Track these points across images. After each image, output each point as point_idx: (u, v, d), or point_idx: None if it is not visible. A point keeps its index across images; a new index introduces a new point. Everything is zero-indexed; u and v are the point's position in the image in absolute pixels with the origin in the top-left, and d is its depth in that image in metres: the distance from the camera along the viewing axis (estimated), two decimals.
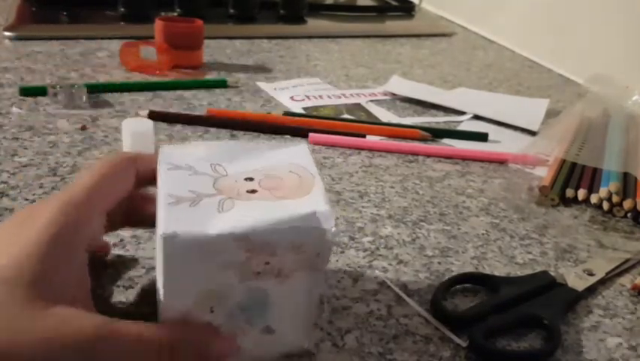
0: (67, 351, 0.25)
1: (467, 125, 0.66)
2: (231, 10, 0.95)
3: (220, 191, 0.29)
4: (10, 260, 0.26)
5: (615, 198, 0.49)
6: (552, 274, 0.40)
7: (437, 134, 0.62)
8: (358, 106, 0.69)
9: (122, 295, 0.35)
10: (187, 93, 0.67)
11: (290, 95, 0.69)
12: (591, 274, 0.41)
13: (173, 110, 0.62)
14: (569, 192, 0.51)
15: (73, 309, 0.26)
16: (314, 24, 1.00)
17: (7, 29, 0.80)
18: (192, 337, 0.28)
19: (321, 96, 0.70)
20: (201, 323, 0.28)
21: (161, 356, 0.27)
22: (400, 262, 0.41)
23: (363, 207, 0.48)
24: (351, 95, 0.72)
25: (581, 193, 0.51)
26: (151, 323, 0.27)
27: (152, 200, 0.33)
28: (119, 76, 0.69)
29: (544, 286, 0.39)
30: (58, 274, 0.27)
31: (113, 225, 0.34)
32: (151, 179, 0.32)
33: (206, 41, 0.76)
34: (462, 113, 0.69)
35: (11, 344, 0.24)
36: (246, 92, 0.69)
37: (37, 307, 0.25)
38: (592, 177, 0.53)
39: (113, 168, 0.31)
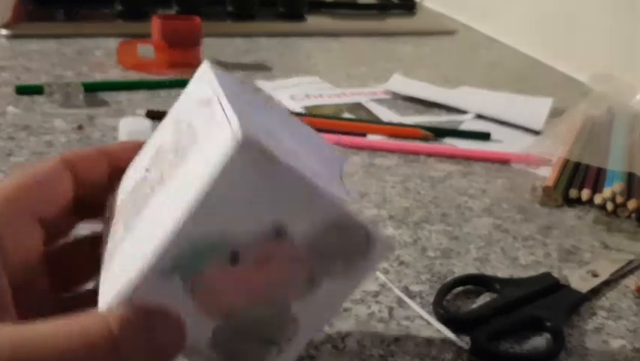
0: None
1: (469, 124, 0.66)
2: (230, 8, 0.95)
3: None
4: None
5: (619, 199, 0.49)
6: (555, 275, 0.40)
7: (439, 133, 0.62)
8: (359, 105, 0.68)
9: None
10: None
11: (290, 94, 0.69)
12: (595, 276, 0.40)
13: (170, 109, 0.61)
14: (573, 193, 0.51)
15: None
16: (314, 22, 0.99)
17: (3, 27, 0.79)
18: (141, 325, 0.22)
19: (321, 95, 0.70)
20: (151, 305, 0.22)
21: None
22: (402, 263, 0.41)
23: (364, 207, 0.47)
24: (352, 94, 0.71)
25: (585, 193, 0.50)
26: (86, 316, 0.21)
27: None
28: (116, 74, 0.69)
29: (548, 287, 0.38)
30: None
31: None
32: (95, 184, 0.28)
33: (204, 39, 0.75)
34: (464, 112, 0.68)
35: None
36: None
37: None
38: (596, 177, 0.52)
39: (41, 170, 0.27)
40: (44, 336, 0.19)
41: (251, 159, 0.20)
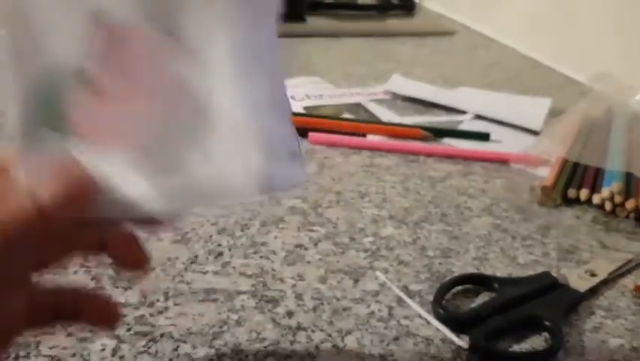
0: None
1: (469, 124, 0.66)
2: None
3: None
4: None
5: (618, 199, 0.49)
6: (554, 274, 0.40)
7: (438, 133, 0.62)
8: (359, 105, 0.68)
9: (122, 296, 0.35)
10: None
11: (290, 94, 0.69)
12: (593, 275, 0.41)
13: None
14: (572, 193, 0.51)
15: None
16: (314, 22, 0.99)
17: None
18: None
19: (321, 95, 0.70)
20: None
21: None
22: (401, 262, 0.41)
23: (363, 207, 0.47)
24: (352, 94, 0.71)
25: (584, 193, 0.51)
26: None
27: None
28: None
29: (546, 287, 0.39)
30: None
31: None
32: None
33: None
34: (463, 112, 0.69)
35: None
36: None
37: None
38: (594, 177, 0.53)
39: None
40: None
41: None
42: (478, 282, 0.39)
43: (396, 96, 0.72)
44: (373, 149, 0.58)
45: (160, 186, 0.21)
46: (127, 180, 0.21)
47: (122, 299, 0.35)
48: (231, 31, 0.20)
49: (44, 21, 0.19)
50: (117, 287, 0.36)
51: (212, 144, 0.21)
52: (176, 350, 0.32)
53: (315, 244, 0.42)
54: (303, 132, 0.58)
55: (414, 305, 0.37)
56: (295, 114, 0.63)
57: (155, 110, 0.21)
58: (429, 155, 0.58)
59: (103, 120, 0.21)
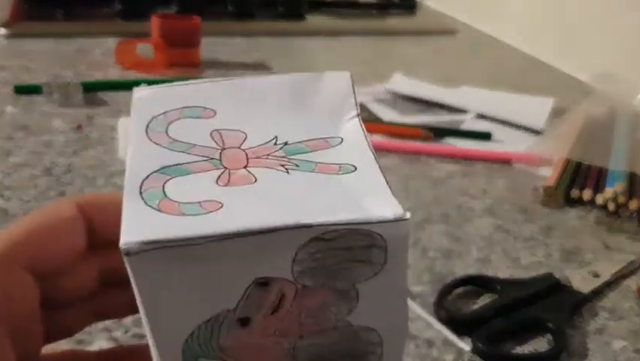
0: None
1: (470, 124, 0.65)
2: (230, 7, 0.94)
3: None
4: None
5: (621, 199, 0.49)
6: (557, 276, 0.39)
7: (440, 133, 0.61)
8: (360, 105, 0.68)
9: None
10: None
11: None
12: (596, 276, 0.40)
13: None
14: (575, 193, 0.51)
15: None
16: (314, 21, 0.99)
17: (1, 26, 0.79)
18: None
19: None
20: None
21: None
22: None
23: None
24: None
25: (587, 194, 0.50)
26: None
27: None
28: (115, 74, 0.68)
29: (549, 288, 0.38)
30: None
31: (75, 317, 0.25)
32: (115, 230, 0.23)
33: (204, 39, 0.75)
34: (465, 112, 0.68)
35: None
36: None
37: None
38: (597, 177, 0.52)
39: (48, 215, 0.23)
40: None
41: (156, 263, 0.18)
42: (480, 284, 0.39)
43: (397, 95, 0.72)
44: (374, 148, 0.57)
45: None
46: None
47: None
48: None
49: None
50: None
51: None
52: None
53: None
54: None
55: (415, 307, 0.36)
56: None
57: (313, 341, 0.21)
58: (430, 155, 0.57)
59: (255, 347, 0.21)
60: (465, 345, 0.33)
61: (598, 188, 0.51)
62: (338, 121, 0.24)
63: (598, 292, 0.39)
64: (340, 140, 0.23)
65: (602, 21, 0.83)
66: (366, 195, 0.20)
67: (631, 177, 0.51)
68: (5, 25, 0.79)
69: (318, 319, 0.21)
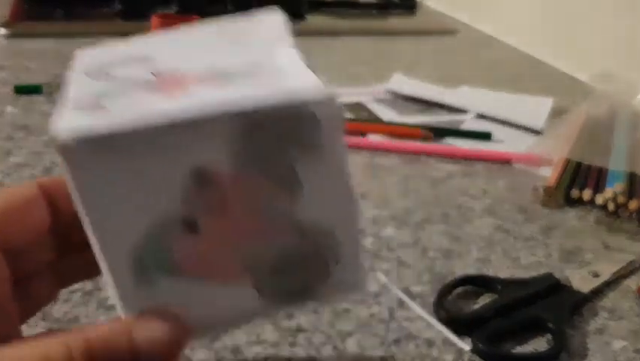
0: None
1: (470, 124, 0.65)
2: (230, 7, 0.94)
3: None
4: None
5: (621, 199, 0.49)
6: (557, 276, 0.39)
7: (440, 133, 0.61)
8: (359, 105, 0.68)
9: None
10: None
11: None
12: (596, 276, 0.40)
13: None
14: (575, 193, 0.51)
15: None
16: (314, 21, 0.99)
17: (1, 26, 0.79)
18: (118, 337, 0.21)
19: None
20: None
21: None
22: (402, 264, 0.40)
23: (364, 208, 0.47)
24: (353, 93, 0.71)
25: (587, 194, 0.50)
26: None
27: None
28: None
29: (549, 288, 0.38)
30: None
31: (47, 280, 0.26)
32: (74, 216, 0.23)
33: None
34: (465, 112, 0.68)
35: None
36: None
37: None
38: (597, 177, 0.52)
39: (12, 196, 0.24)
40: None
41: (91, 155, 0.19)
42: (480, 283, 0.39)
43: (397, 95, 0.72)
44: (374, 148, 0.57)
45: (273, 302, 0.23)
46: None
47: None
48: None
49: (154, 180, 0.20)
50: None
51: (333, 270, 0.23)
52: None
53: None
54: None
55: (415, 307, 0.36)
56: None
57: (265, 244, 0.22)
58: (430, 155, 0.57)
59: (208, 257, 0.22)
60: (465, 345, 0.33)
61: (598, 188, 0.51)
62: (273, 52, 0.26)
63: (598, 292, 0.39)
64: (274, 62, 0.25)
65: (601, 21, 0.83)
66: (294, 80, 0.22)
67: (631, 177, 0.51)
68: (5, 25, 0.79)
69: (263, 211, 0.21)
